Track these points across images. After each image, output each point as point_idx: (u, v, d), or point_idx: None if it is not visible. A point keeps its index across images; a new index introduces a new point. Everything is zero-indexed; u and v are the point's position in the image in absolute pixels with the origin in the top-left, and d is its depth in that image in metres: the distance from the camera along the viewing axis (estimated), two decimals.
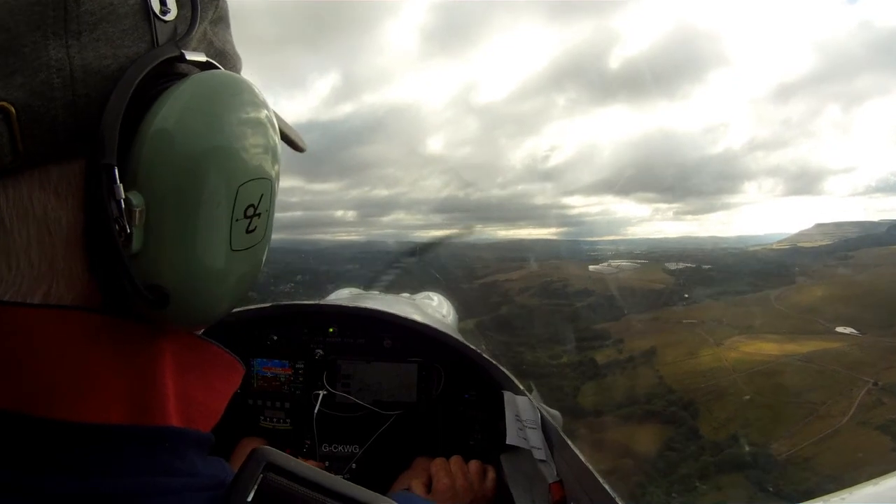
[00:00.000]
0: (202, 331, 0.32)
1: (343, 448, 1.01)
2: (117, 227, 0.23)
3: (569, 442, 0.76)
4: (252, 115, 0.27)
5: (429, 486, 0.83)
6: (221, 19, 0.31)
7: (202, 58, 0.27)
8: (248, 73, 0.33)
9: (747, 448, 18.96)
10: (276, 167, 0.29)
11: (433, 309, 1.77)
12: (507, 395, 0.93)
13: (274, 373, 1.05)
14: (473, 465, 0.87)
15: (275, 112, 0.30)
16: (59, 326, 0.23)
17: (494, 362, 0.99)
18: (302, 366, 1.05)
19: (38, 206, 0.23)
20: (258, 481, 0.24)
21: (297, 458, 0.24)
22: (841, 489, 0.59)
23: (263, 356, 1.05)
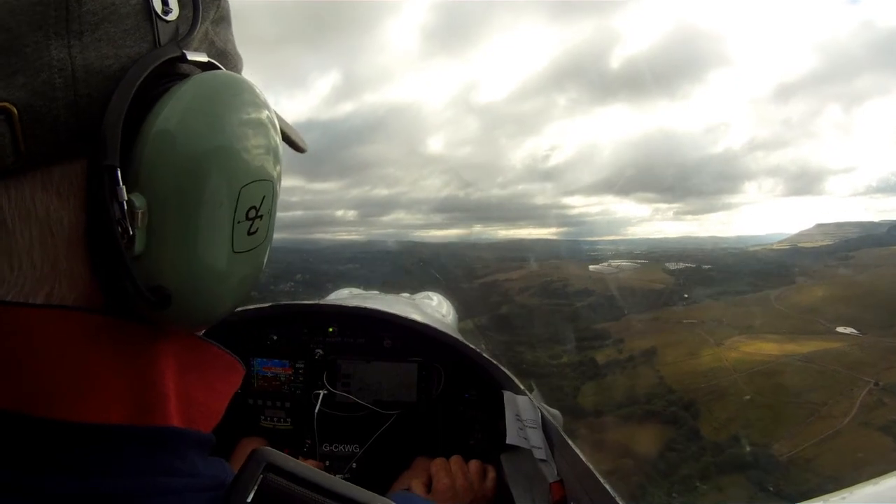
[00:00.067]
0: (203, 331, 0.32)
1: (343, 448, 1.01)
2: (120, 228, 0.23)
3: (569, 441, 0.76)
4: (254, 115, 0.27)
5: (429, 486, 0.83)
6: (223, 19, 0.31)
7: (204, 58, 0.27)
8: (248, 72, 0.33)
9: (748, 449, 18.92)
10: (278, 168, 0.29)
11: (433, 309, 1.77)
12: (507, 394, 0.93)
13: (274, 372, 1.05)
14: (473, 464, 0.87)
15: (276, 113, 0.30)
16: (60, 326, 0.23)
17: (494, 362, 0.99)
18: (302, 365, 1.05)
19: (41, 206, 0.23)
20: (258, 482, 0.25)
21: (297, 457, 0.24)
22: (841, 489, 0.59)
23: (264, 356, 1.05)
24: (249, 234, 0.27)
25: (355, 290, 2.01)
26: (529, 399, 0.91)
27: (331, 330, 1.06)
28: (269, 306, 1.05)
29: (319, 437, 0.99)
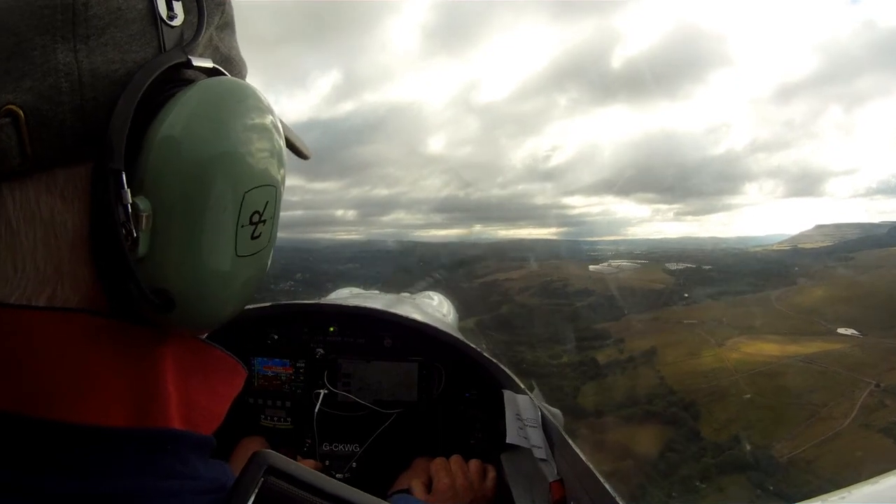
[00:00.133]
0: (206, 334, 0.32)
1: (343, 447, 1.01)
2: (124, 231, 0.23)
3: (570, 441, 0.76)
4: (257, 121, 0.27)
5: (429, 486, 0.83)
6: (227, 25, 0.32)
7: (209, 63, 0.28)
8: (249, 72, 0.34)
9: (748, 449, 18.90)
10: (282, 173, 0.29)
11: (433, 308, 1.77)
12: (507, 393, 0.93)
13: (275, 372, 1.05)
14: (473, 464, 0.87)
15: (280, 120, 0.30)
16: (61, 328, 0.23)
17: (495, 361, 0.99)
18: (302, 365, 1.05)
19: (45, 209, 0.23)
20: (259, 485, 0.25)
21: (297, 457, 0.24)
22: (840, 489, 0.59)
23: (264, 355, 1.05)
24: (253, 238, 0.28)
25: (355, 290, 2.02)
26: (530, 398, 0.91)
27: (331, 329, 1.06)
28: (270, 306, 1.05)
29: (319, 436, 0.99)
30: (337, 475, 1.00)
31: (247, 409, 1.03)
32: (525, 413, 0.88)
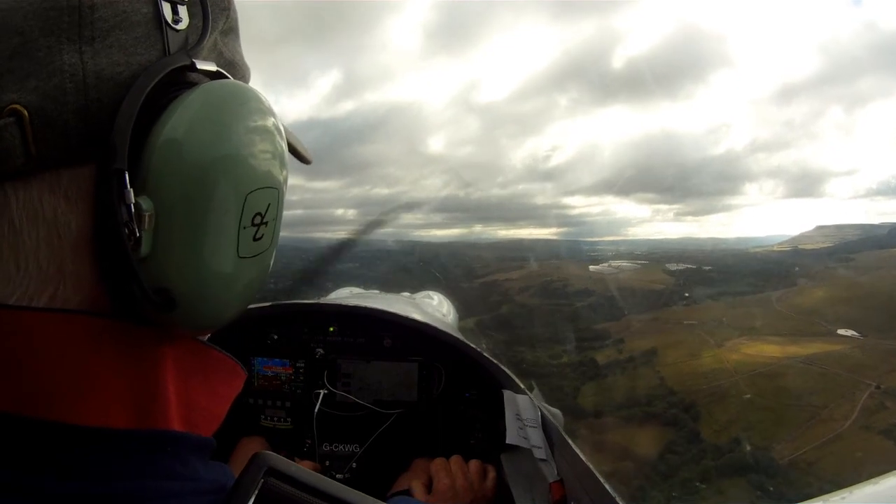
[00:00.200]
0: (207, 336, 0.32)
1: (343, 447, 1.01)
2: (127, 230, 0.23)
3: (569, 441, 0.76)
4: (260, 124, 0.28)
5: (429, 487, 0.82)
6: (231, 30, 0.32)
7: (213, 67, 0.28)
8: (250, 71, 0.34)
9: (749, 449, 18.87)
10: (284, 175, 0.29)
11: (433, 308, 1.78)
12: (507, 393, 0.93)
13: (274, 372, 1.05)
14: (474, 464, 0.87)
15: (283, 124, 0.30)
16: (61, 328, 0.23)
17: (495, 361, 0.99)
18: (302, 365, 1.05)
19: (48, 208, 0.23)
20: (259, 486, 0.25)
21: (297, 457, 0.24)
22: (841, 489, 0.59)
23: (264, 355, 1.05)
24: (255, 239, 0.28)
25: (355, 290, 2.02)
26: (530, 398, 0.91)
27: (331, 329, 1.06)
28: (270, 305, 1.05)
29: (319, 436, 0.99)
30: (337, 476, 1.00)
31: (247, 410, 1.03)
32: (525, 413, 0.88)
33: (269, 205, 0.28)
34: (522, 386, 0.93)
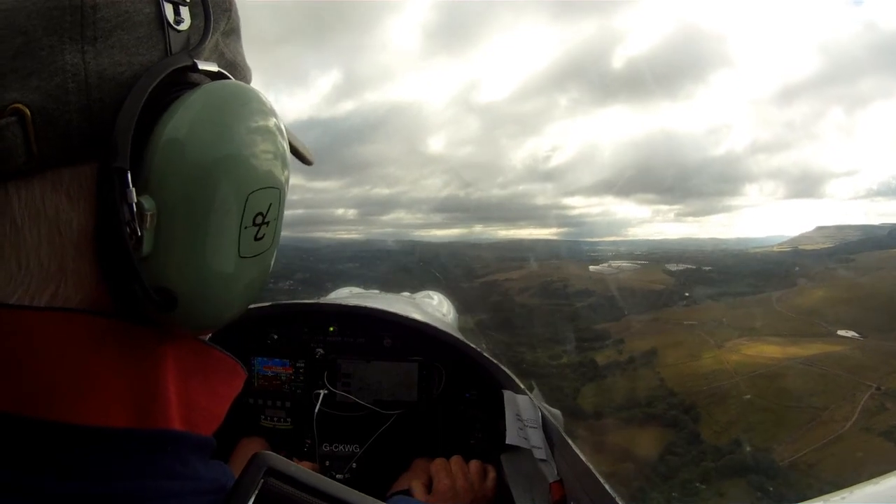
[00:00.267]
0: (208, 336, 0.32)
1: (343, 447, 1.01)
2: (128, 229, 0.23)
3: (569, 441, 0.76)
4: (261, 124, 0.28)
5: (429, 487, 0.83)
6: (233, 31, 0.32)
7: (214, 68, 0.28)
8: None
9: (749, 451, 18.84)
10: (285, 175, 0.30)
11: (433, 308, 1.77)
12: (507, 394, 0.93)
13: (275, 372, 1.05)
14: (474, 465, 0.87)
15: (284, 125, 0.30)
16: (61, 328, 0.23)
17: (495, 361, 0.98)
18: (302, 365, 1.05)
19: (50, 207, 0.23)
20: (259, 487, 0.25)
21: (297, 457, 0.25)
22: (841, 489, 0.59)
23: (264, 355, 1.05)
24: (256, 239, 0.28)
25: (355, 290, 2.02)
26: (530, 399, 0.91)
27: (331, 329, 1.06)
28: (270, 305, 1.05)
29: (319, 436, 0.99)
30: (337, 476, 1.00)
31: (247, 410, 1.03)
32: (525, 413, 0.88)
33: (270, 205, 0.28)
34: (522, 386, 0.93)
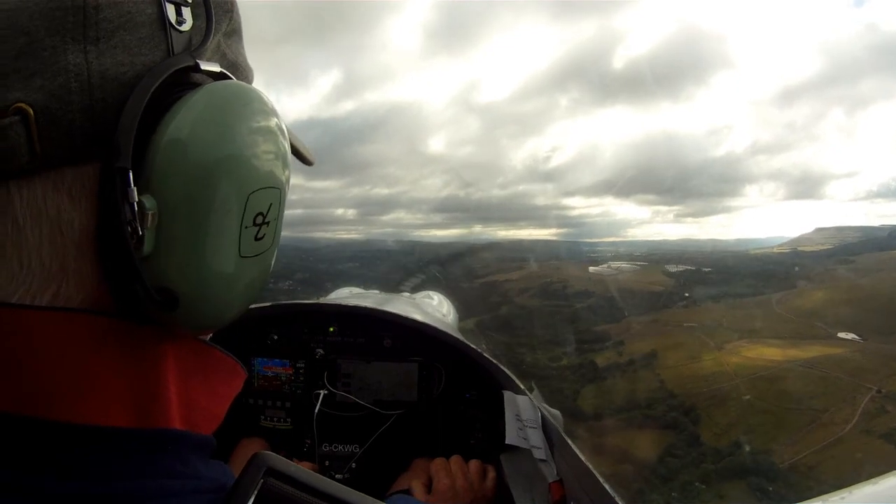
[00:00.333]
0: (208, 336, 0.32)
1: (343, 448, 1.01)
2: (129, 228, 0.23)
3: (569, 441, 0.76)
4: (263, 125, 0.28)
5: (429, 487, 0.83)
6: (235, 32, 0.33)
7: (216, 68, 0.28)
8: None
9: (749, 453, 18.80)
10: (286, 175, 0.30)
11: (433, 308, 1.78)
12: (507, 394, 0.93)
13: (274, 372, 1.05)
14: (473, 464, 0.87)
15: (286, 125, 0.31)
16: (61, 328, 0.23)
17: (495, 362, 0.99)
18: (302, 365, 1.05)
19: (52, 206, 0.23)
20: (258, 486, 0.25)
21: (296, 457, 0.25)
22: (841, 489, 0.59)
23: (264, 355, 1.05)
24: (256, 239, 0.28)
25: (355, 290, 2.02)
26: (530, 399, 0.91)
27: (331, 329, 1.06)
28: (270, 305, 1.05)
29: (319, 436, 0.99)
30: (336, 476, 0.99)
31: (247, 410, 1.03)
32: (525, 414, 0.88)
33: (270, 205, 0.28)
34: (522, 387, 0.93)
